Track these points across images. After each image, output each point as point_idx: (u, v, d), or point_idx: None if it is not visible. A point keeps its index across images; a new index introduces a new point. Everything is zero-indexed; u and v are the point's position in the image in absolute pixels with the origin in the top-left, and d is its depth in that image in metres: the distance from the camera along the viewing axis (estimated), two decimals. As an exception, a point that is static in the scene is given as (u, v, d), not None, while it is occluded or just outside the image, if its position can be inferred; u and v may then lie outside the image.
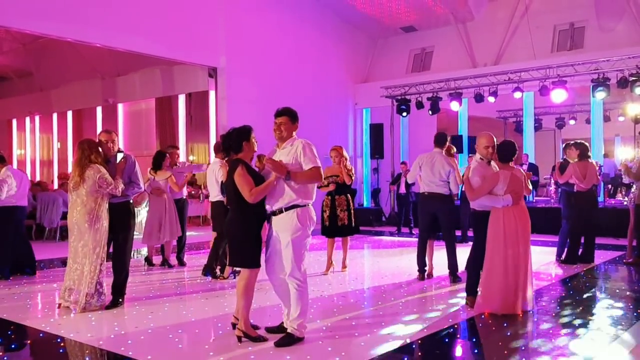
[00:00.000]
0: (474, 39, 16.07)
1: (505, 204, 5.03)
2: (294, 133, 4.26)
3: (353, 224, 7.10)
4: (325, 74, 16.60)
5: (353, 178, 6.98)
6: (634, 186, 7.85)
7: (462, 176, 6.60)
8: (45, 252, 9.07)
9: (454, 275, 6.56)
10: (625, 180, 9.48)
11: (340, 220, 6.99)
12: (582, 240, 7.81)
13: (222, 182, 6.63)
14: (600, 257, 8.26)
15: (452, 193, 6.60)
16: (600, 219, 10.46)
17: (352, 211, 7.08)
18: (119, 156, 5.38)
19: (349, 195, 7.09)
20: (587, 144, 7.92)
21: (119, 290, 5.48)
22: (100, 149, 5.28)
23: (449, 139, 6.86)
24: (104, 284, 5.31)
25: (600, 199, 12.77)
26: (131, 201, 5.53)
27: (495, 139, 5.33)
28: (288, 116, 4.21)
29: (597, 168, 7.85)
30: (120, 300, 5.47)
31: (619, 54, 11.78)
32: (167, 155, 7.79)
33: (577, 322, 4.82)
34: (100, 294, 5.27)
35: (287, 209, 4.04)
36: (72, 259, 5.27)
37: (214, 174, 6.86)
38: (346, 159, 6.98)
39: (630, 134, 15.10)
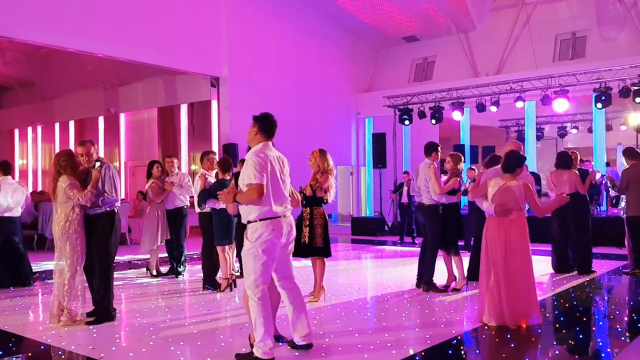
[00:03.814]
0: (475, 49, 16.12)
1: (488, 213, 5.03)
2: (261, 140, 4.02)
3: (316, 243, 5.90)
4: (328, 83, 16.64)
5: (297, 197, 5.12)
6: (624, 198, 7.83)
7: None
8: (47, 262, 9.04)
9: (426, 285, 6.58)
10: (612, 192, 9.39)
11: (303, 237, 5.90)
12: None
13: (200, 192, 6.69)
14: (603, 267, 8.21)
15: (439, 203, 6.56)
16: (602, 228, 10.44)
17: (316, 228, 5.95)
18: (96, 165, 5.28)
19: (314, 208, 5.97)
20: (569, 153, 7.81)
21: (98, 305, 5.33)
22: (75, 160, 5.27)
23: (437, 147, 6.75)
24: (75, 299, 5.20)
25: (603, 208, 12.73)
26: (114, 212, 5.32)
27: (521, 147, 5.36)
28: (253, 121, 4.09)
29: (576, 177, 7.54)
30: (101, 317, 5.25)
31: (620, 63, 11.81)
32: (157, 164, 7.87)
33: (580, 334, 4.78)
34: (70, 308, 5.16)
35: (248, 224, 3.97)
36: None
37: (195, 185, 6.96)
38: (318, 167, 5.93)
39: (632, 143, 15.06)
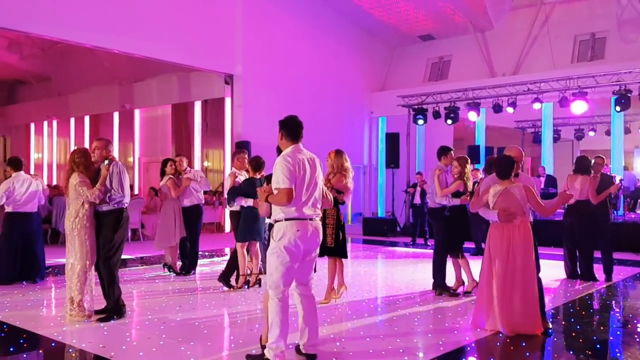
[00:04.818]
0: (492, 49, 15.93)
1: (493, 220, 4.95)
2: (288, 144, 4.02)
3: (326, 242, 5.83)
4: (342, 82, 16.57)
5: (330, 197, 4.53)
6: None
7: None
8: (60, 257, 9.08)
9: (439, 289, 6.52)
10: None
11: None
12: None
13: (229, 190, 6.71)
14: (620, 273, 8.06)
15: (444, 206, 6.50)
16: (619, 233, 10.25)
17: (327, 228, 5.88)
18: (105, 163, 5.31)
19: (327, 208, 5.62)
20: (588, 158, 7.62)
21: (107, 301, 5.35)
22: (89, 158, 5.33)
23: (452, 151, 6.68)
24: (86, 294, 5.22)
25: (620, 212, 12.52)
26: (122, 209, 5.33)
27: (522, 153, 5.28)
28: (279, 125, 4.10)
29: (590, 185, 7.30)
30: (110, 312, 5.28)
31: (641, 65, 11.59)
32: (171, 161, 7.89)
33: (596, 343, 4.68)
34: (80, 303, 5.18)
35: (275, 222, 3.96)
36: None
37: (225, 183, 6.97)
38: (332, 167, 5.90)
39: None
